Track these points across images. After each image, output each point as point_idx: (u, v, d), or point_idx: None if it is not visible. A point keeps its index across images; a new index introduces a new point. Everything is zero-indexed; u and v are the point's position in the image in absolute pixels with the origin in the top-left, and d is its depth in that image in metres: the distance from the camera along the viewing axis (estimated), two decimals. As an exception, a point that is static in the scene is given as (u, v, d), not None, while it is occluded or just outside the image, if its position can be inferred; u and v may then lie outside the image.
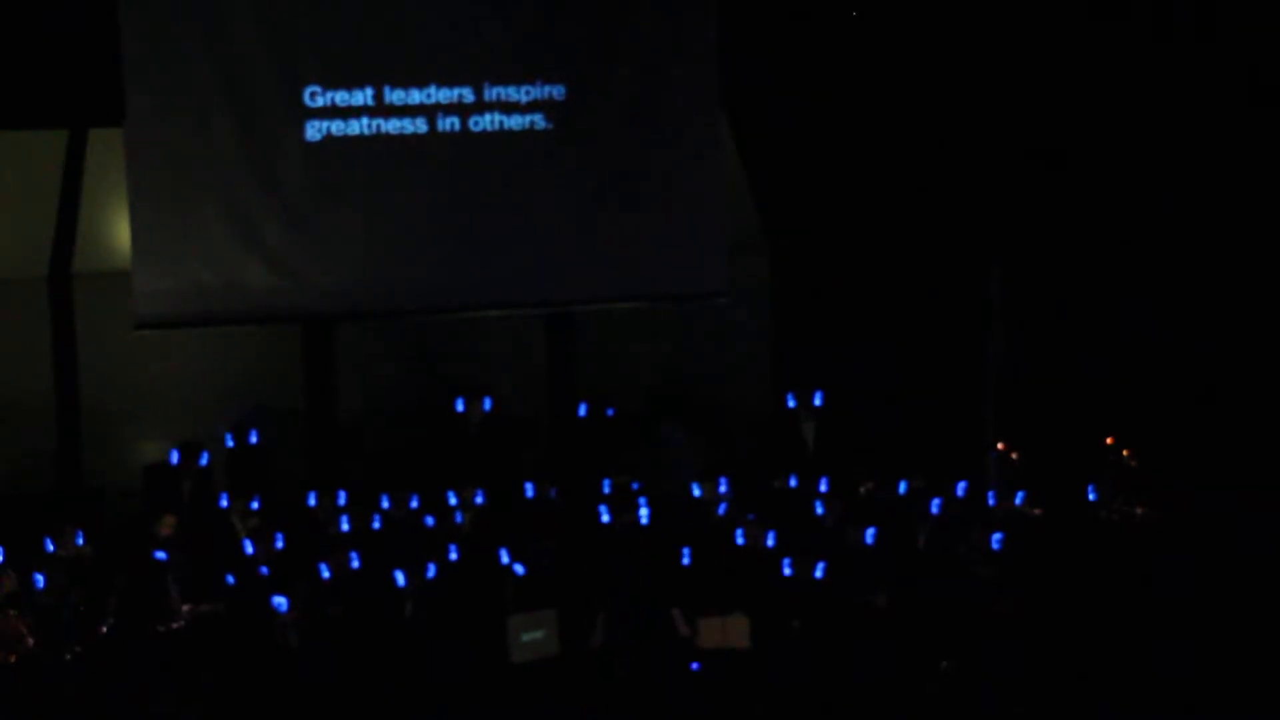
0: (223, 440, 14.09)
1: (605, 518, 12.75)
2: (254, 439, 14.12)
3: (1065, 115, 14.87)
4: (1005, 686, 10.65)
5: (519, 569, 11.91)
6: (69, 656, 10.93)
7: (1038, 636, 11.08)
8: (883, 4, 15.25)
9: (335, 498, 13.19)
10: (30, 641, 10.96)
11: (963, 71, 14.96)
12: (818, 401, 14.26)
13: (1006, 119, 14.90)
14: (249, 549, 12.37)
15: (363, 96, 14.20)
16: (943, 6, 15.03)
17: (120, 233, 14.28)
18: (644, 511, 12.73)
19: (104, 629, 11.21)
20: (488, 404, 14.35)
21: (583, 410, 14.64)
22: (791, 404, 14.28)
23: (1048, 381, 14.51)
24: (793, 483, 13.41)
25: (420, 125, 14.31)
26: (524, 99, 14.44)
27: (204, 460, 13.75)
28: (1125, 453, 13.27)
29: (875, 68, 15.11)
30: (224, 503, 13.22)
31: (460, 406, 14.34)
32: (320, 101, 14.12)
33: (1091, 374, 14.55)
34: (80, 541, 12.38)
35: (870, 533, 12.16)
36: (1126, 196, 14.75)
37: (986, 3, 14.93)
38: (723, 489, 13.19)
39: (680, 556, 12.07)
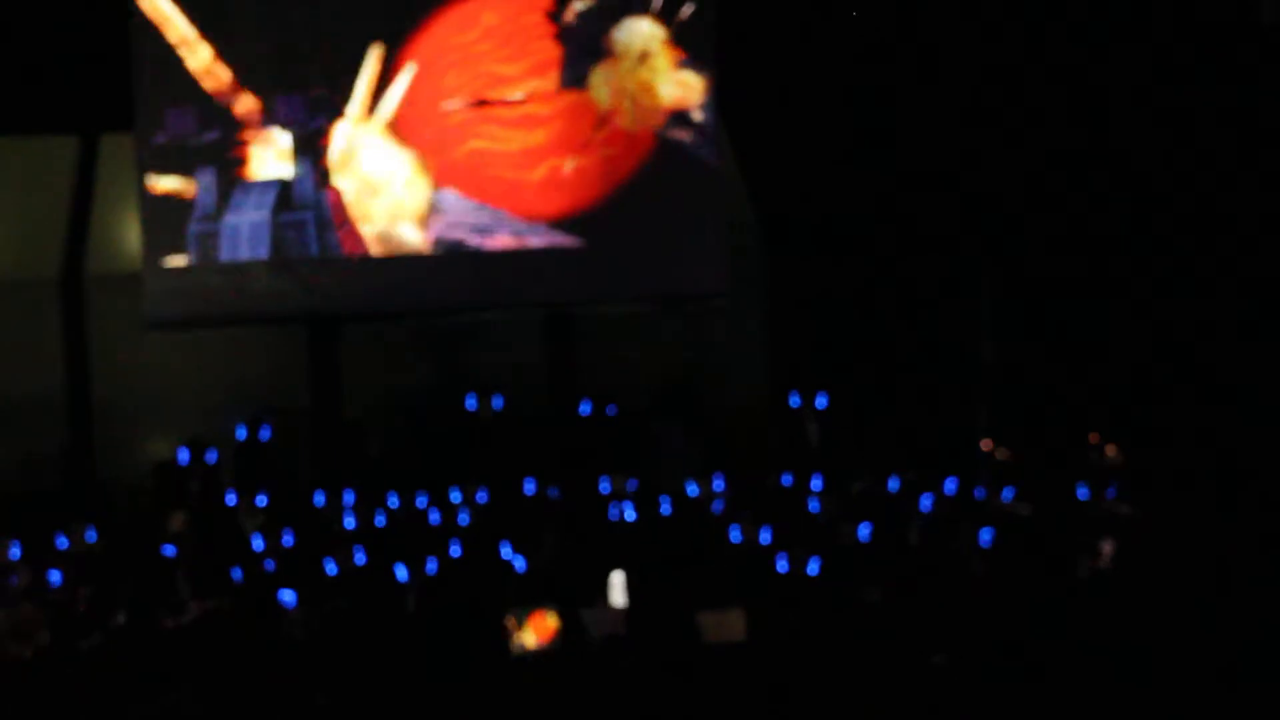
0: (232, 438, 14.27)
1: (610, 515, 12.97)
2: (266, 435, 14.30)
3: (1061, 116, 14.93)
4: (997, 681, 10.74)
5: (519, 565, 12.10)
6: (81, 650, 11.13)
7: (1031, 631, 11.19)
8: (882, 4, 15.36)
9: (341, 494, 13.39)
10: (44, 635, 11.17)
11: (960, 73, 15.05)
12: (822, 403, 14.44)
13: (1003, 120, 14.99)
14: (257, 545, 12.55)
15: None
16: (941, 8, 15.14)
17: (131, 236, 14.50)
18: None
19: (115, 623, 11.40)
20: (498, 402, 14.57)
21: (587, 409, 14.82)
22: (795, 403, 14.45)
23: (1041, 380, 14.64)
24: (787, 480, 13.58)
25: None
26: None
27: (212, 458, 13.96)
28: (1110, 450, 13.41)
29: (874, 68, 15.19)
30: (233, 499, 13.42)
31: (472, 404, 14.55)
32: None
33: (1085, 373, 14.66)
34: (92, 537, 12.61)
35: (864, 529, 12.36)
36: (1122, 197, 14.83)
37: (985, 4, 15.03)
38: (719, 487, 13.40)
39: (678, 553, 12.26)
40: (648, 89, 14.85)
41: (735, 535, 12.44)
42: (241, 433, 14.29)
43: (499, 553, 12.23)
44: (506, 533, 12.47)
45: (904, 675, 10.74)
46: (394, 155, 14.54)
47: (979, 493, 13.02)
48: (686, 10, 14.80)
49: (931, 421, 14.39)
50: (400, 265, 14.50)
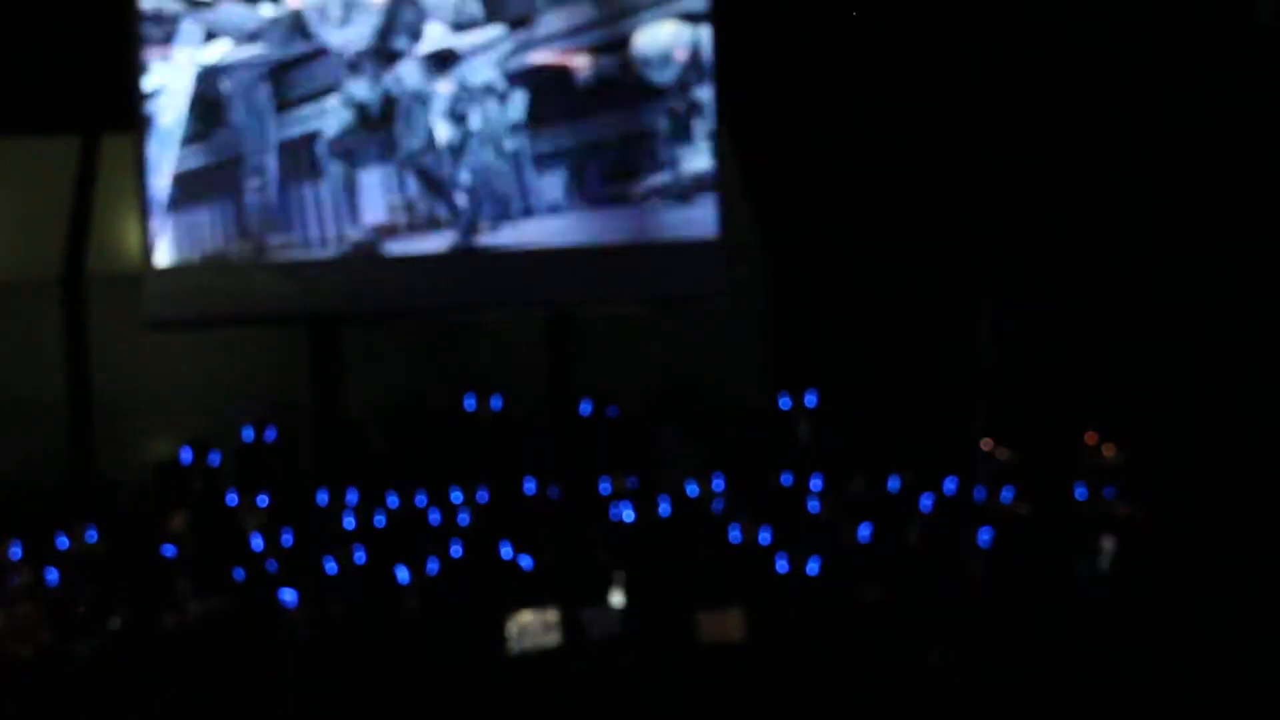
0: (234, 438, 14.27)
1: (613, 516, 12.98)
2: (271, 436, 14.31)
3: (1060, 118, 14.97)
4: (997, 681, 10.77)
5: (522, 565, 12.11)
6: (81, 650, 11.15)
7: (1030, 631, 11.22)
8: (880, 6, 15.38)
9: (343, 494, 13.39)
10: (44, 635, 11.18)
11: (958, 73, 15.06)
12: (811, 402, 14.46)
13: (1002, 121, 15.01)
14: (257, 545, 12.55)
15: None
16: (940, 10, 15.16)
17: (132, 236, 14.52)
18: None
19: (115, 623, 11.42)
20: (498, 402, 14.57)
21: (588, 409, 14.80)
22: (785, 404, 14.48)
23: (1041, 380, 14.65)
24: (787, 480, 13.58)
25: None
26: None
27: (215, 459, 13.96)
28: (1109, 450, 13.42)
29: (872, 69, 15.21)
30: (234, 499, 13.42)
31: (471, 404, 14.54)
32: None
33: (1085, 373, 14.67)
34: (92, 537, 12.62)
35: (864, 529, 12.36)
36: (1121, 197, 14.86)
37: (984, 6, 15.06)
38: (718, 486, 13.40)
39: (678, 553, 12.28)
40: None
41: (735, 535, 12.44)
42: (248, 434, 14.29)
43: (499, 553, 12.24)
44: (507, 533, 12.48)
45: (903, 675, 10.78)
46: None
47: (979, 493, 13.03)
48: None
49: (931, 421, 14.40)
50: (401, 265, 14.52)
